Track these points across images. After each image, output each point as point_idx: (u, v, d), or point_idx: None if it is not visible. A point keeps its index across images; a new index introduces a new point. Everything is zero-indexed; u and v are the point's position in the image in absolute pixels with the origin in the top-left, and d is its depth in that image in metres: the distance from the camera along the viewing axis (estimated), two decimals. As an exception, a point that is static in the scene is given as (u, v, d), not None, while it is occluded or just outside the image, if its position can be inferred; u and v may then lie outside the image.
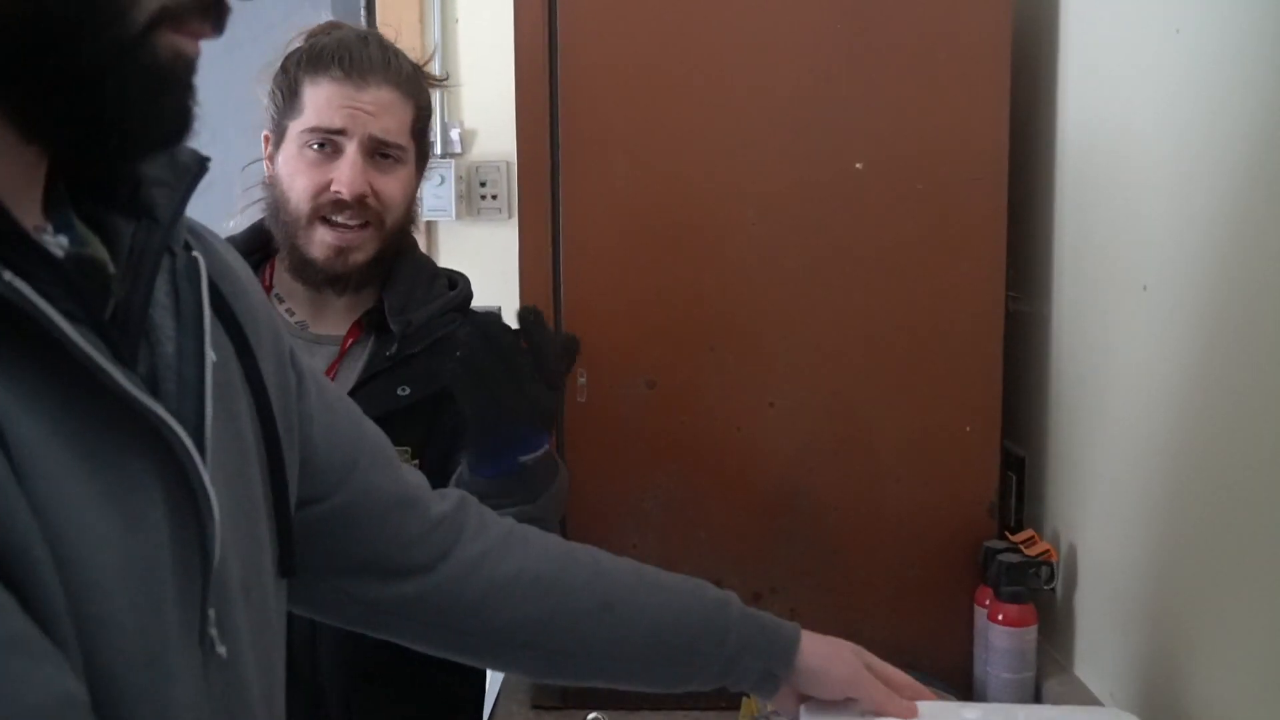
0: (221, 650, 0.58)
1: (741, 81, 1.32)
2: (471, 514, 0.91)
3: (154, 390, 0.57)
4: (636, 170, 1.33)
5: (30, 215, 0.53)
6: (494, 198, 2.33)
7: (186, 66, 0.53)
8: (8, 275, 0.46)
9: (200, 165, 0.61)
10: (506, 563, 0.89)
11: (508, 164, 2.30)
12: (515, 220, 2.29)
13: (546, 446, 1.14)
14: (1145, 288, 1.11)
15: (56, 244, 0.53)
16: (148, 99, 0.52)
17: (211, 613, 0.57)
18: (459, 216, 2.32)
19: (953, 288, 1.34)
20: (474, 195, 2.33)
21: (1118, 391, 1.19)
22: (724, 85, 1.33)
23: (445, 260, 1.40)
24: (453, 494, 0.92)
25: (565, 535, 1.35)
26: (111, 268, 0.56)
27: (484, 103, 2.31)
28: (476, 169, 2.32)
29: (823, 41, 1.32)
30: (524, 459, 1.11)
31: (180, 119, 0.54)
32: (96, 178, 0.58)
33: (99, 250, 0.57)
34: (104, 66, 0.50)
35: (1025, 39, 1.36)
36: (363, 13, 2.36)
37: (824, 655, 0.97)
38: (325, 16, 2.39)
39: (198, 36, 0.53)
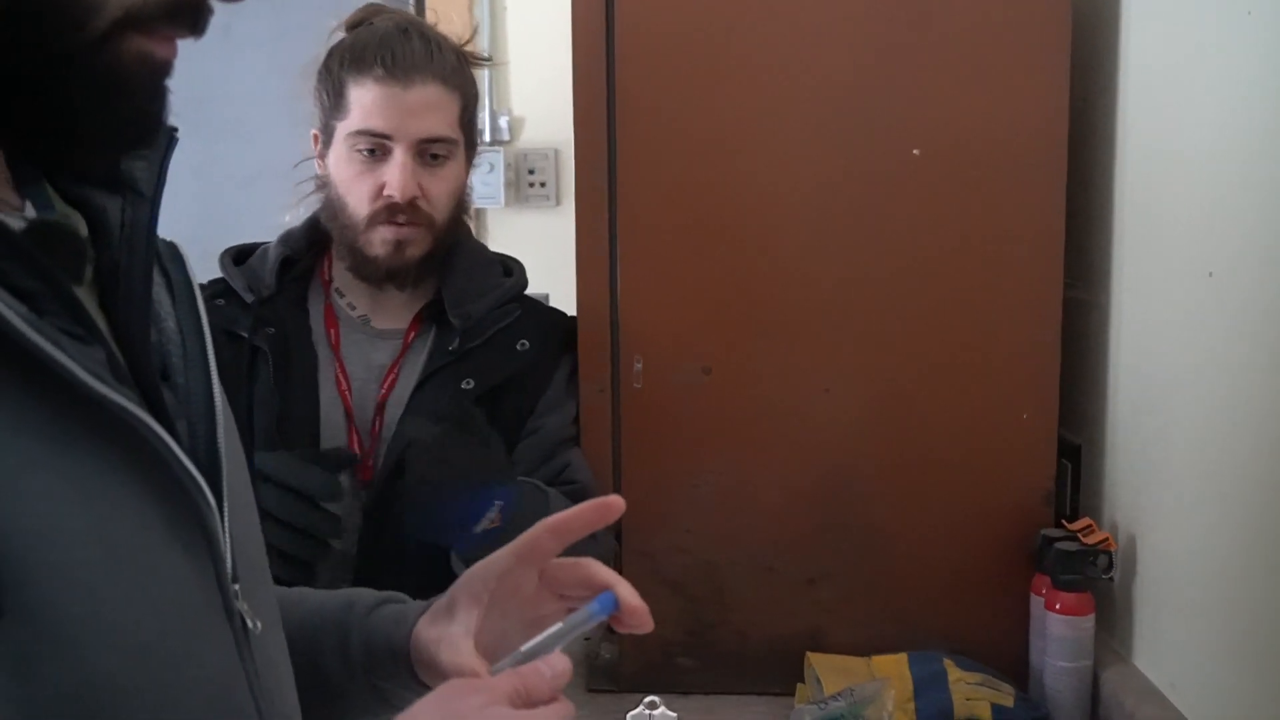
0: (255, 625, 0.57)
1: (798, 68, 1.32)
2: None
3: (164, 366, 0.57)
4: (692, 157, 1.33)
5: None
6: (542, 185, 2.34)
7: (153, 70, 0.51)
8: None
9: (170, 136, 0.59)
10: None
11: (556, 151, 2.31)
12: (563, 207, 2.33)
13: (499, 503, 1.11)
14: (1211, 274, 1.10)
15: (21, 217, 0.51)
16: (102, 103, 0.50)
17: (236, 587, 0.56)
18: (507, 204, 2.33)
19: (1009, 275, 1.33)
20: (522, 183, 2.34)
21: (1182, 380, 1.17)
22: (781, 72, 1.32)
23: (494, 248, 1.41)
24: None
25: (620, 527, 1.36)
26: (84, 232, 0.55)
27: (532, 90, 2.32)
28: (525, 156, 2.33)
29: (881, 27, 1.31)
30: (478, 528, 1.09)
31: (141, 123, 0.53)
32: (59, 168, 0.57)
33: (77, 222, 0.56)
34: (58, 69, 0.48)
35: (1086, 21, 1.34)
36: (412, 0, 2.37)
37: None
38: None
39: (170, 39, 0.51)
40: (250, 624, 0.57)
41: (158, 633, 0.51)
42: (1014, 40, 1.31)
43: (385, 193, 1.21)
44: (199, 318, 0.60)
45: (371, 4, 1.31)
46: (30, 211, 0.53)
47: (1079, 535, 1.29)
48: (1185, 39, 1.18)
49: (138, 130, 0.53)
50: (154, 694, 0.50)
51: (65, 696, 0.46)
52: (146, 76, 0.51)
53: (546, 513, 1.15)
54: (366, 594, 0.80)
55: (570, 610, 0.72)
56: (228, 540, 0.56)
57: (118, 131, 0.53)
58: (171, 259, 0.62)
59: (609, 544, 1.29)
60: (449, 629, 0.71)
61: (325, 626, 0.78)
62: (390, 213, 1.22)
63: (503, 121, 2.32)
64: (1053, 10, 1.30)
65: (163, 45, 0.51)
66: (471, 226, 1.40)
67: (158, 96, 0.52)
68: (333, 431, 1.24)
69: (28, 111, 0.49)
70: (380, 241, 1.23)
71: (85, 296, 0.53)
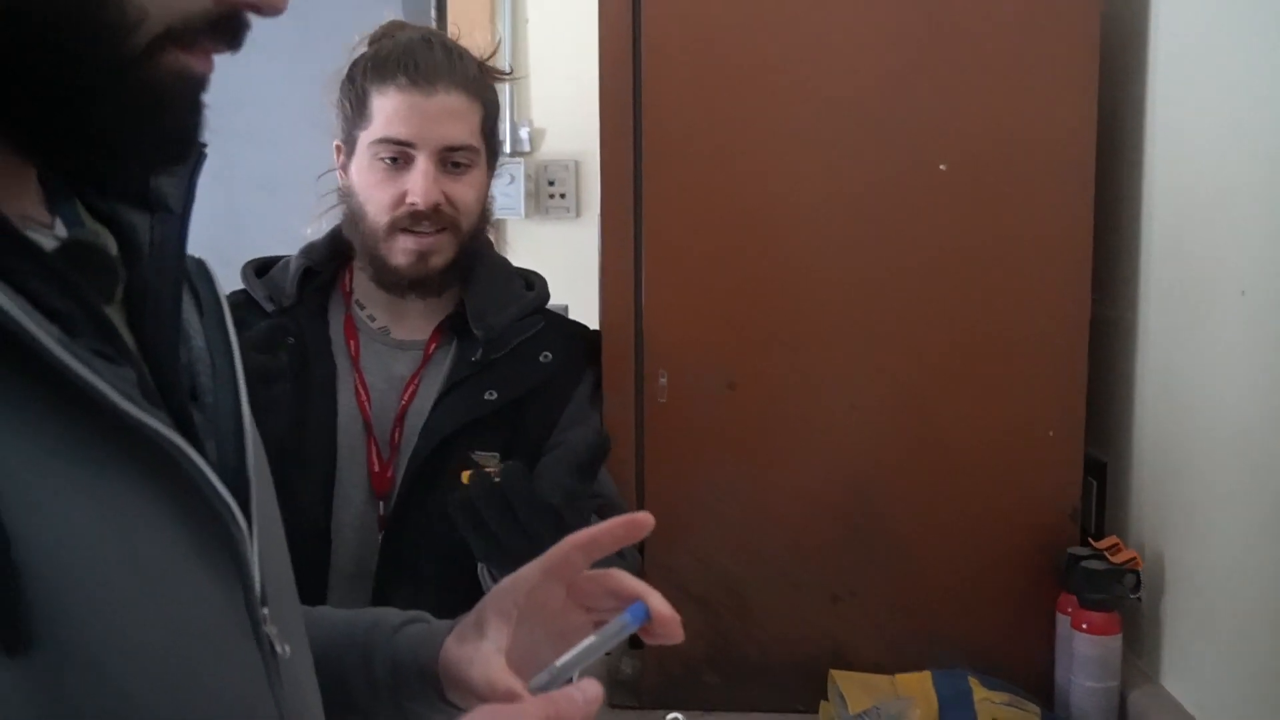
0: (284, 649, 0.56)
1: (825, 81, 1.32)
2: None
3: (193, 385, 0.57)
4: (718, 170, 1.33)
5: (26, 205, 0.51)
6: (562, 196, 2.34)
7: (192, 86, 0.51)
8: None
9: (200, 152, 0.58)
10: None
11: (576, 163, 2.32)
12: (583, 219, 2.33)
13: None
14: (1243, 292, 1.09)
15: (52, 236, 0.51)
16: (142, 119, 0.50)
17: (265, 611, 0.55)
18: (527, 215, 2.33)
19: (1036, 291, 1.32)
20: (542, 194, 2.34)
21: (1212, 399, 1.16)
22: (807, 85, 1.32)
23: (513, 259, 1.41)
24: None
25: (643, 541, 1.35)
26: (114, 250, 0.55)
27: (553, 102, 2.33)
28: (545, 168, 2.33)
29: (906, 41, 1.31)
30: None
31: (180, 139, 0.52)
32: (93, 185, 0.56)
33: (107, 240, 0.55)
34: (98, 85, 0.47)
35: (1115, 35, 1.34)
36: (433, 11, 2.38)
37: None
38: (395, 16, 2.42)
39: (208, 54, 0.51)
40: (279, 649, 0.56)
41: (184, 655, 0.50)
42: (1042, 53, 1.30)
43: (408, 200, 1.20)
44: (228, 336, 0.60)
45: (394, 20, 1.31)
46: (60, 229, 0.52)
47: (1105, 554, 1.28)
48: (1216, 53, 1.17)
49: (175, 146, 0.53)
50: (180, 717, 0.49)
51: (91, 719, 0.46)
52: (184, 92, 0.51)
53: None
54: (392, 613, 0.80)
55: (598, 623, 0.71)
56: (257, 563, 0.55)
57: (155, 147, 0.52)
58: (200, 276, 0.61)
59: (635, 560, 1.28)
60: (480, 646, 0.70)
61: (351, 646, 0.77)
62: (413, 220, 1.22)
63: (523, 133, 2.32)
64: (1081, 22, 1.29)
65: (201, 60, 0.51)
66: (492, 238, 1.40)
67: (195, 112, 0.52)
68: (350, 441, 1.23)
69: (65, 127, 0.49)
70: (402, 251, 1.23)
71: (114, 315, 0.53)
